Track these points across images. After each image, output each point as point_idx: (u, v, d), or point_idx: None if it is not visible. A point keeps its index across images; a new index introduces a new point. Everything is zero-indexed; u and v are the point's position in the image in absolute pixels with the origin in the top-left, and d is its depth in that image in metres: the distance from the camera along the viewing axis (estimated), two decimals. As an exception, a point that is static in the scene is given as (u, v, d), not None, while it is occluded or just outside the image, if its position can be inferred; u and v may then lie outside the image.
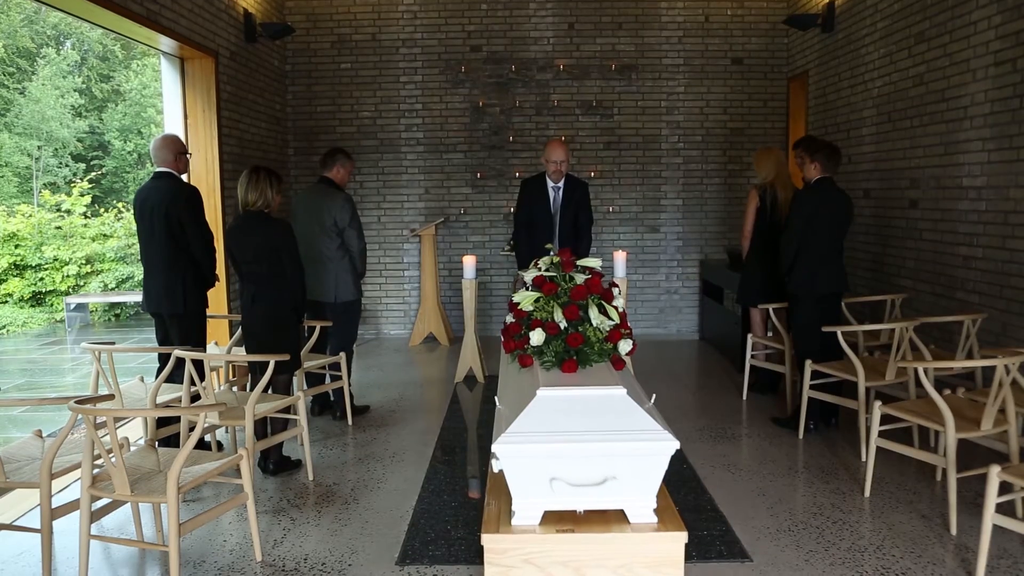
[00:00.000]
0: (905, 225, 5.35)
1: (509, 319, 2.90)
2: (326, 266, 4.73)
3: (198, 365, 3.59)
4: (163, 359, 4.07)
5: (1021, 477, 2.62)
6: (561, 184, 5.12)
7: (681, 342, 7.34)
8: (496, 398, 2.67)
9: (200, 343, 4.17)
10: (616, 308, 2.74)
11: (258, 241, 3.78)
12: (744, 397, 5.27)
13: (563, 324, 2.64)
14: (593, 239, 5.88)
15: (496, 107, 7.51)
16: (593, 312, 2.67)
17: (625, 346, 2.66)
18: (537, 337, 2.63)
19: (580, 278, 2.79)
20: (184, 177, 4.26)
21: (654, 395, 2.55)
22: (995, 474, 2.66)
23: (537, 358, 2.66)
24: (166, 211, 3.99)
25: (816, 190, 4.32)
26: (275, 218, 3.86)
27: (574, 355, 2.58)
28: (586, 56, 7.47)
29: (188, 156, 4.22)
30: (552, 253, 4.51)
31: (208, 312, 4.33)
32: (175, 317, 4.10)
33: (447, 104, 7.55)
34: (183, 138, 5.54)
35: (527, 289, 2.90)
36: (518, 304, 2.80)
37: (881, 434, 3.51)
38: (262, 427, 3.90)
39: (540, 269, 2.94)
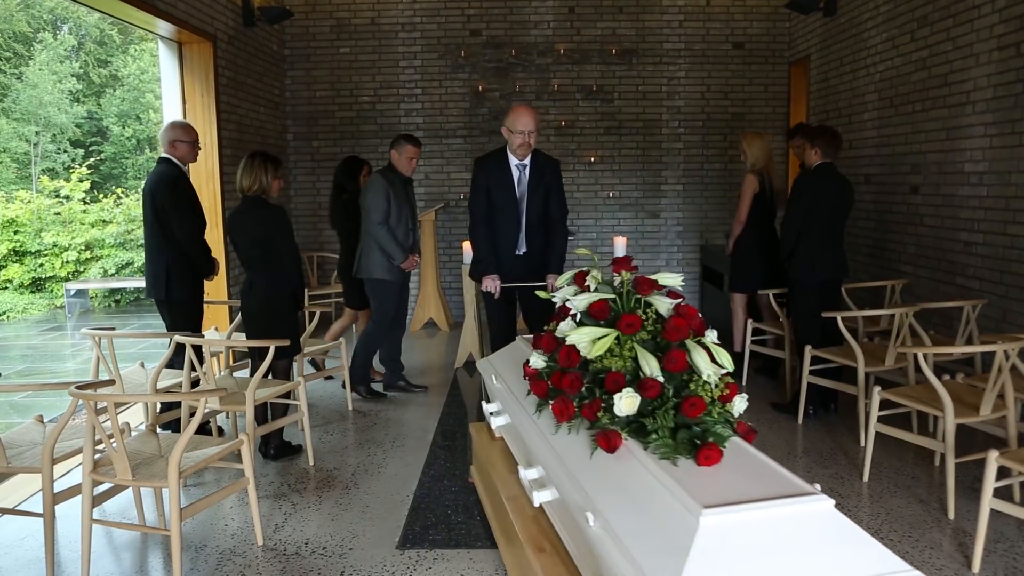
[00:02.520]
0: (906, 211, 5.34)
1: (537, 362, 2.13)
2: (364, 241, 4.85)
3: (198, 350, 3.59)
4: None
5: (1019, 462, 2.63)
6: (527, 161, 4.04)
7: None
8: (587, 513, 1.71)
9: (190, 330, 4.14)
10: (719, 345, 1.95)
11: (254, 227, 3.77)
12: (743, 382, 5.28)
13: (659, 378, 1.84)
14: (572, 234, 5.48)
15: (496, 92, 7.47)
16: (700, 359, 1.84)
17: (741, 404, 1.87)
18: (629, 404, 1.79)
19: (664, 304, 1.97)
20: (186, 165, 4.22)
21: (817, 486, 1.61)
22: (993, 459, 2.67)
23: (634, 437, 1.80)
24: (152, 196, 4.02)
25: (817, 176, 4.31)
26: (272, 204, 3.84)
27: (709, 436, 1.72)
28: (586, 40, 7.42)
29: (187, 144, 4.16)
30: (522, 252, 4.07)
31: (207, 298, 4.32)
32: (162, 303, 4.13)
33: (447, 89, 7.51)
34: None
35: (575, 320, 2.09)
36: (570, 344, 1.96)
37: (880, 419, 3.52)
38: (263, 412, 3.91)
39: (590, 288, 2.14)
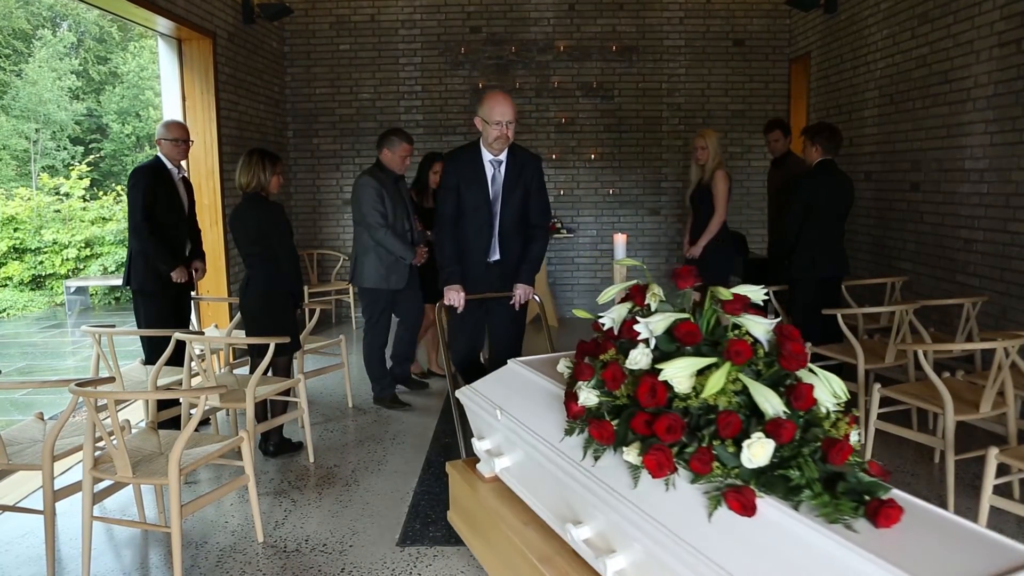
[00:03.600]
0: (906, 208, 5.33)
1: (589, 398, 1.80)
2: (355, 249, 4.74)
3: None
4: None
5: (1019, 459, 2.63)
6: (503, 157, 3.51)
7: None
8: None
9: (147, 324, 4.13)
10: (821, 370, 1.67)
11: (251, 224, 3.79)
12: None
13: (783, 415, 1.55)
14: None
15: (496, 89, 7.45)
16: (822, 390, 1.58)
17: (855, 438, 1.59)
18: (761, 452, 1.48)
19: (759, 326, 1.67)
20: (175, 163, 4.24)
21: None
22: (993, 456, 2.67)
23: (766, 492, 1.48)
24: None
25: (818, 173, 4.31)
26: (269, 201, 3.84)
27: (876, 489, 1.44)
28: (587, 37, 7.41)
29: (169, 141, 4.16)
30: (498, 265, 3.54)
31: (207, 295, 4.33)
32: (130, 291, 4.21)
33: (447, 86, 7.50)
34: (181, 120, 5.51)
35: (651, 349, 1.72)
36: (663, 379, 1.61)
37: (880, 416, 3.52)
38: (262, 409, 3.92)
39: (651, 307, 1.83)
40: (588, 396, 1.81)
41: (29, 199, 11.59)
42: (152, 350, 4.06)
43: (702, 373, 1.62)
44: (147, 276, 4.12)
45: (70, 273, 10.91)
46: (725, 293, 1.70)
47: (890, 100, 5.52)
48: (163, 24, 5.11)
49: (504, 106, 3.39)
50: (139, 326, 4.21)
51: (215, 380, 3.66)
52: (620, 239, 5.20)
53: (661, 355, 1.70)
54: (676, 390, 1.61)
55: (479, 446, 2.44)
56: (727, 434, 1.52)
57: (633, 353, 1.73)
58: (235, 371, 4.25)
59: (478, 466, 2.51)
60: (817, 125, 4.58)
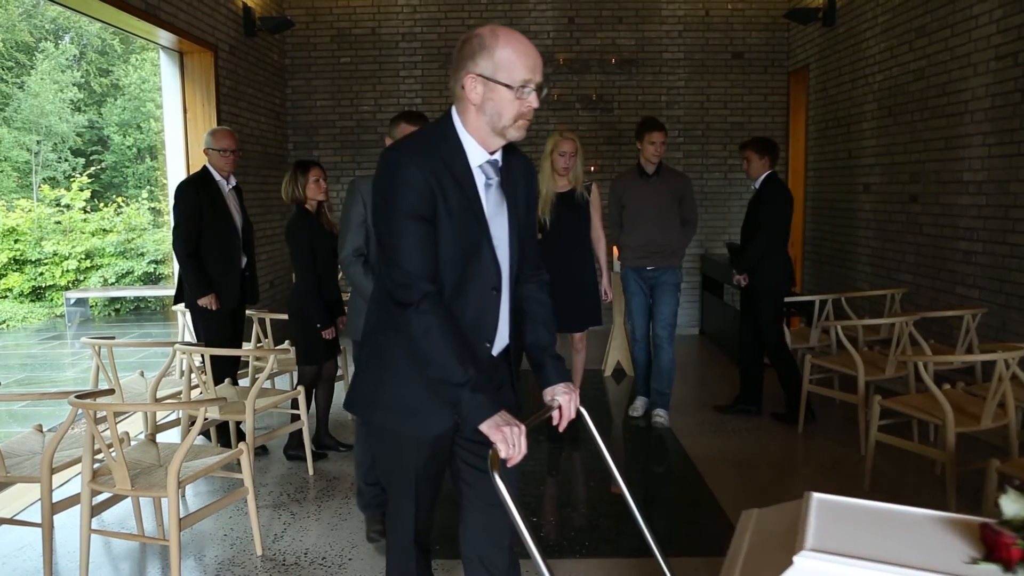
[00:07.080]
0: (905, 220, 5.35)
1: None
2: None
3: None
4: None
5: (1020, 471, 2.62)
6: (499, 156, 1.79)
7: (681, 336, 7.31)
8: None
9: (209, 341, 4.00)
10: None
11: (285, 234, 3.95)
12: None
13: None
14: None
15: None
16: None
17: None
18: None
19: None
20: (224, 174, 4.12)
21: None
22: (994, 468, 2.66)
23: None
24: None
25: (773, 187, 4.42)
26: (299, 214, 3.87)
27: None
28: (586, 50, 7.45)
29: (215, 151, 4.05)
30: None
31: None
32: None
33: (447, 99, 7.51)
34: (182, 132, 5.54)
35: None
36: None
37: (881, 428, 3.51)
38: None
39: None
40: None
41: (30, 210, 11.62)
42: (216, 369, 3.86)
43: None
44: (199, 290, 4.09)
45: (70, 284, 10.91)
46: None
47: (888, 112, 5.55)
48: (165, 37, 5.14)
49: (535, 56, 1.72)
50: (198, 339, 4.16)
51: (214, 392, 3.66)
52: (617, 252, 5.22)
53: None
54: None
55: None
56: None
57: None
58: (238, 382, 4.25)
59: None
60: (763, 139, 4.60)
